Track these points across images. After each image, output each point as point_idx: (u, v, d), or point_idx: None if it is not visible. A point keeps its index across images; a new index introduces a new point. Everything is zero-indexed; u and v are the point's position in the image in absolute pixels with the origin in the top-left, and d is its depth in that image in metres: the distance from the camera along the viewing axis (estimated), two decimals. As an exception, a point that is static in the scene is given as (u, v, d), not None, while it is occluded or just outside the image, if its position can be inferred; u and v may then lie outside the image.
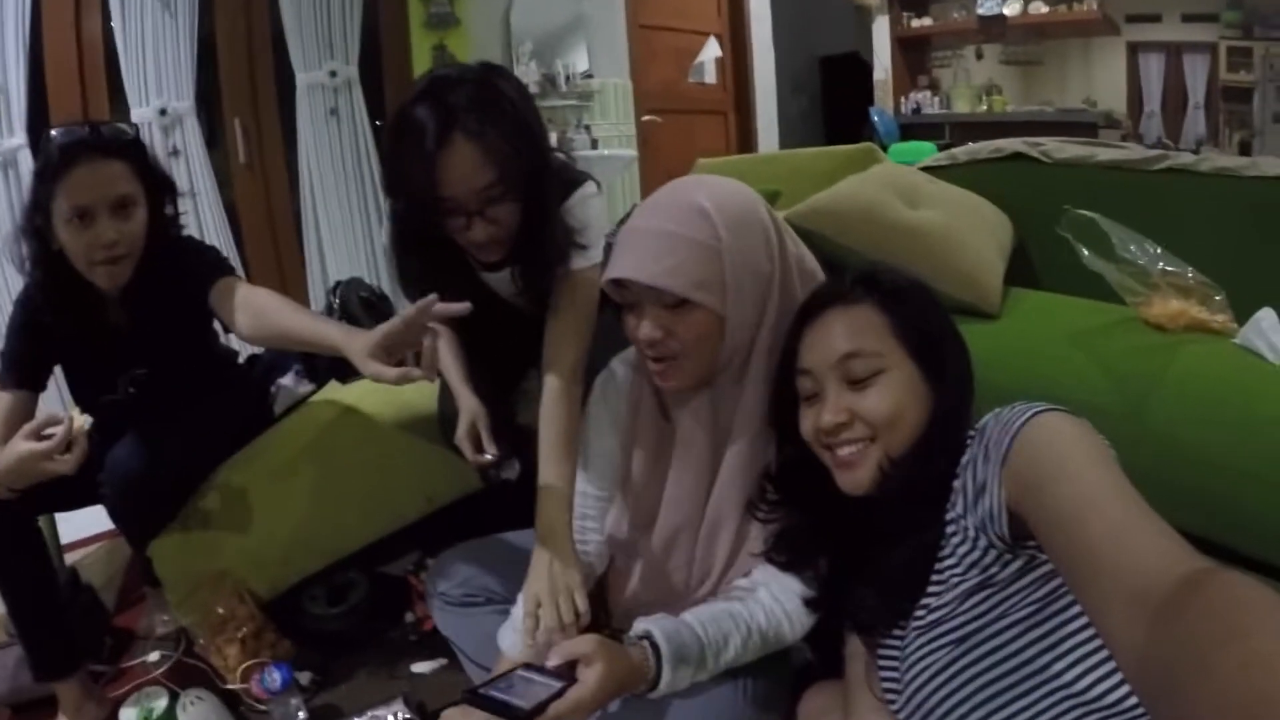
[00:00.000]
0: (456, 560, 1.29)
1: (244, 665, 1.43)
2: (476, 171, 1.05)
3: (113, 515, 1.42)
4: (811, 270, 1.04)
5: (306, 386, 1.74)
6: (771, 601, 0.96)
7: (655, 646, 0.89)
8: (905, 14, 6.21)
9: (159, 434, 1.38)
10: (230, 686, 1.42)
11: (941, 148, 3.10)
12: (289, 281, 3.30)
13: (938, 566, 0.79)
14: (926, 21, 6.22)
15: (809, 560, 0.96)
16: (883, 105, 5.98)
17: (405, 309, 0.99)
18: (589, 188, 1.24)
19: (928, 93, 6.24)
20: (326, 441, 1.61)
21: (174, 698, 1.37)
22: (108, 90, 2.88)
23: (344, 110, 3.26)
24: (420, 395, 1.63)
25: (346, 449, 1.62)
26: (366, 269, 3.29)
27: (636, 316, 0.97)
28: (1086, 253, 1.29)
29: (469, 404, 1.29)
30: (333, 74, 3.21)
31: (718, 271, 0.93)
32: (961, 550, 0.76)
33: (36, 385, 1.39)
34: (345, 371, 1.79)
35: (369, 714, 1.30)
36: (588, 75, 3.95)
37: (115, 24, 2.84)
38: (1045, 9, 5.60)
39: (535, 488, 1.12)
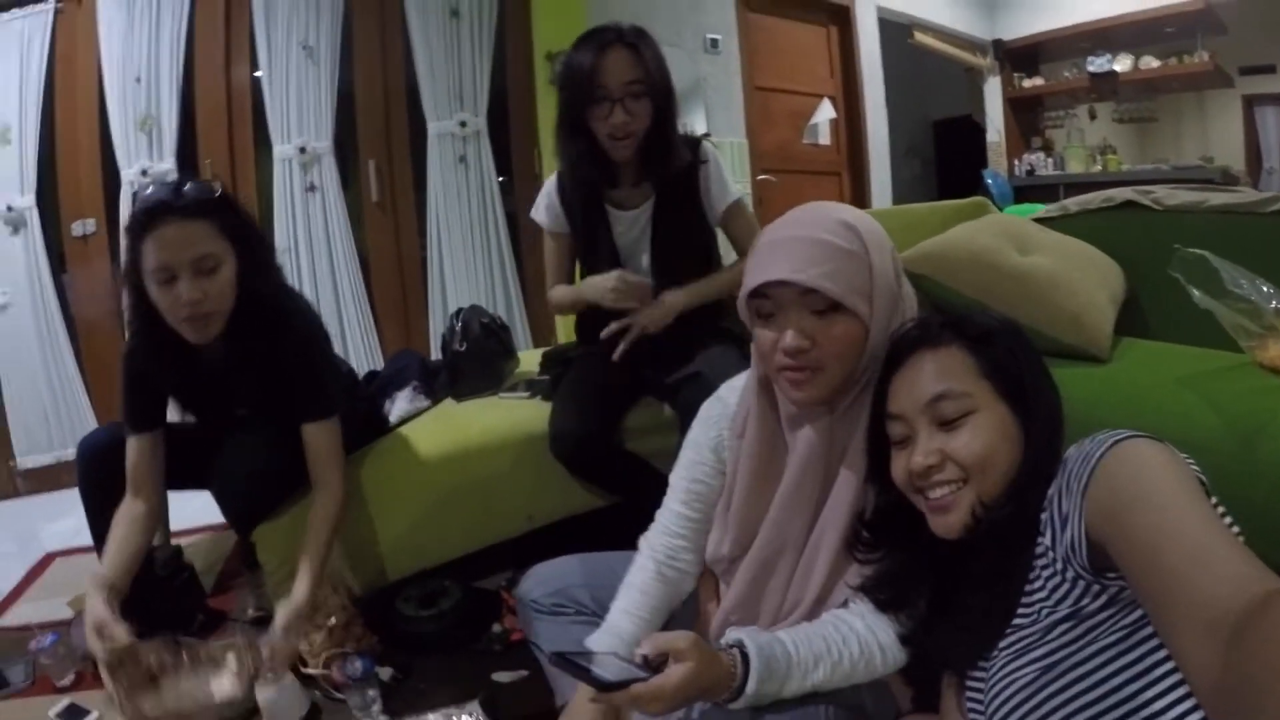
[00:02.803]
0: (551, 570, 1.32)
1: (327, 653, 1.46)
2: (628, 68, 1.51)
3: (220, 505, 1.51)
4: (913, 296, 1.03)
5: (423, 402, 1.84)
6: (866, 632, 0.95)
7: (745, 656, 0.89)
8: (1016, 74, 6.13)
9: (269, 439, 1.48)
10: (310, 671, 1.46)
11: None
12: (411, 313, 3.50)
13: (1027, 599, 0.78)
14: (1038, 81, 6.13)
15: (909, 601, 0.94)
16: (996, 168, 5.89)
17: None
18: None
19: (1041, 154, 6.11)
20: (436, 454, 1.69)
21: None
22: (252, 126, 3.17)
23: (471, 158, 3.46)
24: (532, 416, 1.71)
25: (455, 463, 1.69)
26: (487, 305, 3.40)
27: (778, 327, 0.96)
28: (1197, 292, 1.25)
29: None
30: (463, 124, 3.41)
31: (866, 281, 0.93)
32: (1052, 582, 0.75)
33: (157, 424, 1.49)
34: (460, 390, 1.91)
35: (444, 712, 1.33)
36: (706, 135, 4.07)
37: (263, 72, 3.15)
38: (1156, 63, 5.45)
39: (636, 513, 1.17)
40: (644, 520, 1.20)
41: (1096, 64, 5.66)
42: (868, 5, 5.04)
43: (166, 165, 3.01)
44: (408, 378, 1.86)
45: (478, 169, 3.47)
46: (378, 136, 3.38)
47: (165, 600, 1.51)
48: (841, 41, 4.95)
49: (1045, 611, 0.75)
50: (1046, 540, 0.75)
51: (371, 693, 1.37)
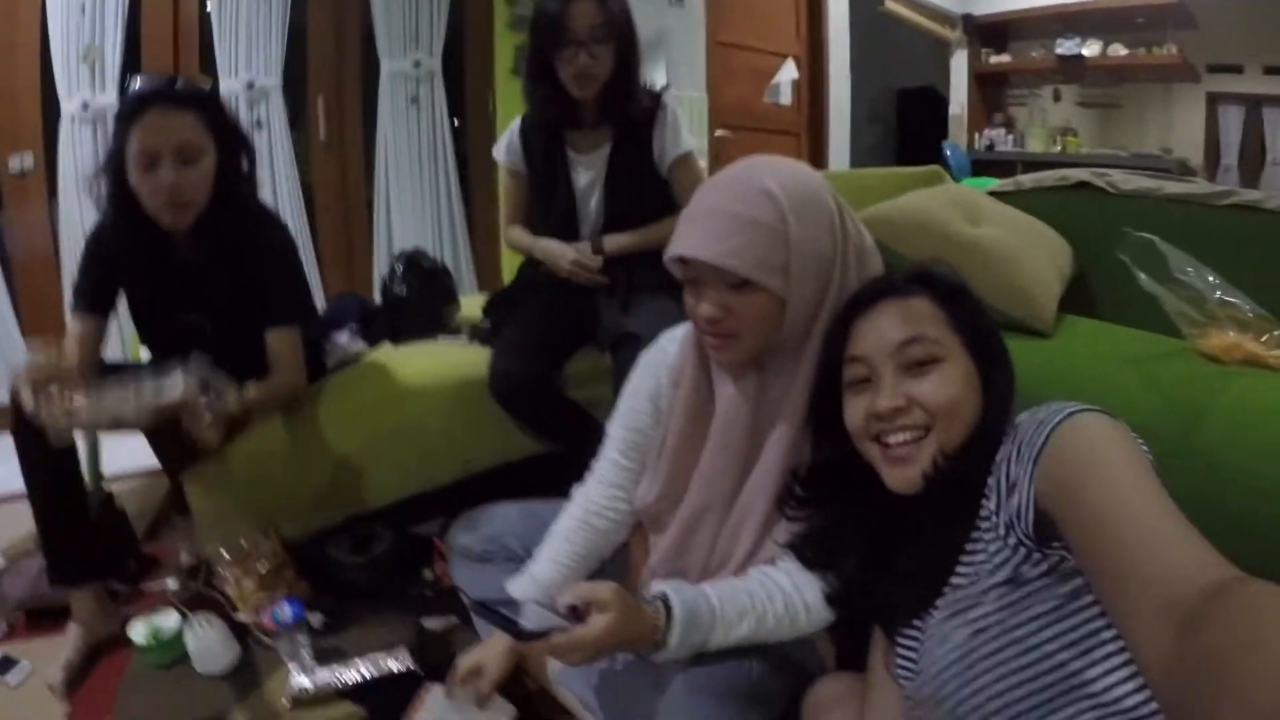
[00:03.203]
0: (480, 517, 1.33)
1: (258, 598, 1.46)
2: (594, 14, 1.59)
3: (151, 442, 1.48)
4: (870, 251, 1.02)
5: (360, 344, 1.80)
6: (792, 589, 0.95)
7: (669, 609, 0.89)
8: (984, 50, 6.13)
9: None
10: (240, 618, 1.45)
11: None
12: (355, 255, 3.42)
13: (969, 560, 0.77)
14: (1005, 59, 6.14)
15: (837, 560, 0.94)
16: (956, 140, 5.91)
17: None
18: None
19: (1002, 130, 6.14)
20: (371, 398, 1.65)
21: (185, 621, 1.41)
22: (199, 61, 3.03)
23: (424, 99, 3.37)
24: (470, 360, 1.68)
25: (390, 407, 1.66)
26: (434, 249, 3.37)
27: (697, 294, 0.97)
28: (1143, 276, 1.26)
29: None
30: (416, 64, 3.32)
31: (781, 254, 0.92)
32: (993, 546, 0.74)
33: (106, 310, 1.48)
34: (399, 333, 1.87)
35: (372, 657, 1.33)
36: (666, 88, 4.02)
37: (212, 3, 3.00)
38: (1125, 51, 5.48)
39: (573, 462, 1.16)
40: (580, 469, 1.20)
41: (1065, 46, 5.67)
42: (838, -31, 4.97)
43: (108, 98, 2.84)
44: (347, 320, 1.82)
45: (430, 110, 3.38)
46: (329, 74, 3.27)
47: (91, 542, 1.46)
48: (810, 3, 4.88)
49: (983, 574, 0.75)
50: (991, 504, 0.75)
51: (301, 638, 1.36)
